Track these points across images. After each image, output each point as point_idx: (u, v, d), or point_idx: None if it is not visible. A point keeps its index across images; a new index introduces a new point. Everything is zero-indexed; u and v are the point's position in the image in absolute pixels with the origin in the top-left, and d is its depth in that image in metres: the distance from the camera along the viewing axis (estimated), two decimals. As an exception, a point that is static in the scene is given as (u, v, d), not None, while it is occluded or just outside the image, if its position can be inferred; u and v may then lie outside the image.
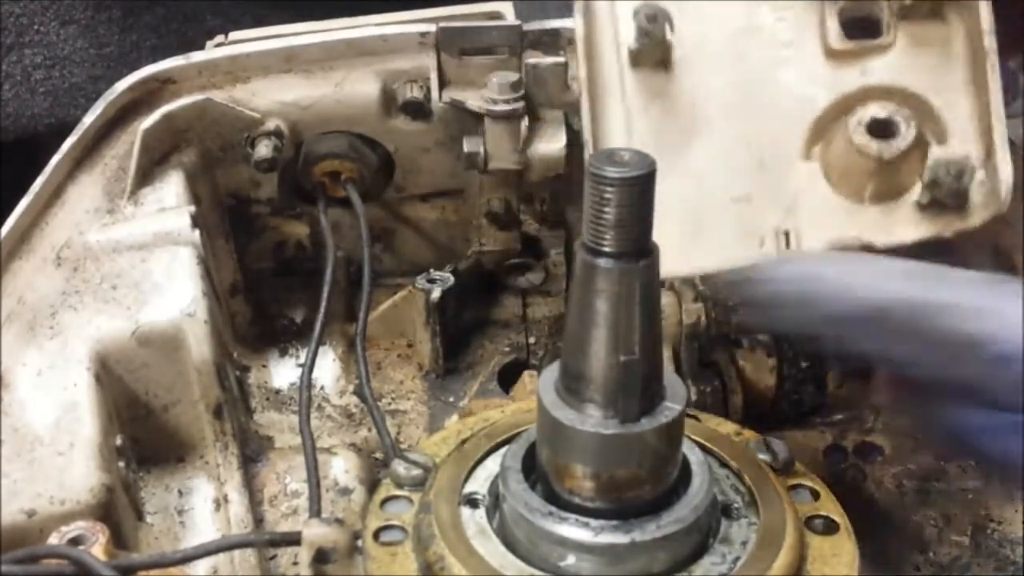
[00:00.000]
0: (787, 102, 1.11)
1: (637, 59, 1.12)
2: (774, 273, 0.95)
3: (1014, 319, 0.87)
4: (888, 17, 1.11)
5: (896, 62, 1.11)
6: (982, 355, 0.88)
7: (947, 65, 1.10)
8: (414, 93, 1.37)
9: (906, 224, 1.08)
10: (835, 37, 1.11)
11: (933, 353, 0.90)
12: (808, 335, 0.97)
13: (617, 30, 1.13)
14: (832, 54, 1.11)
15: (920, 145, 1.08)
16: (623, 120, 1.13)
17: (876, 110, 1.08)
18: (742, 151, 1.11)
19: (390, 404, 1.38)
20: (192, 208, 1.26)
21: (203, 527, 1.11)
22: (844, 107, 1.11)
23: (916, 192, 1.09)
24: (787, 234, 1.09)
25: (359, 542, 0.89)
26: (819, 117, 1.11)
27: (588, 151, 1.13)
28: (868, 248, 1.08)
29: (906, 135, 1.07)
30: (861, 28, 1.11)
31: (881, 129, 1.08)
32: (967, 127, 1.09)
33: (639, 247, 0.80)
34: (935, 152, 1.08)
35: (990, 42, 1.07)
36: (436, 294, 1.37)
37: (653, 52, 1.11)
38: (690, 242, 1.10)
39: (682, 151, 1.12)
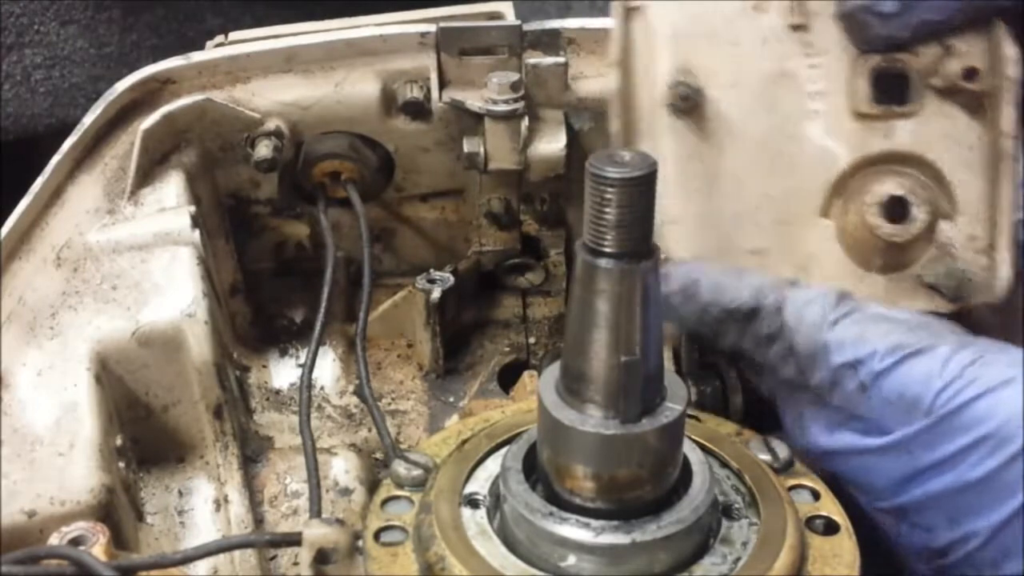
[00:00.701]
0: (811, 157, 1.12)
1: (669, 109, 1.13)
2: (665, 274, 1.04)
3: (865, 337, 0.95)
4: (918, 84, 1.11)
5: (920, 130, 1.11)
6: (828, 363, 0.96)
7: (969, 146, 1.11)
8: (414, 93, 1.37)
9: (909, 296, 1.11)
10: (863, 100, 1.11)
11: (788, 358, 0.99)
12: (689, 330, 1.11)
13: (653, 81, 1.13)
14: (859, 115, 1.12)
15: (930, 227, 1.09)
16: None
17: (892, 187, 1.09)
18: (764, 203, 1.12)
19: (390, 404, 1.38)
20: (192, 208, 1.26)
21: (203, 527, 1.11)
22: (865, 167, 1.11)
23: (920, 264, 1.11)
24: None
25: (360, 542, 0.89)
26: (840, 176, 1.12)
27: None
28: None
29: (918, 219, 1.09)
30: (890, 86, 1.11)
31: (895, 208, 1.09)
32: (978, 209, 1.10)
33: (640, 247, 0.80)
34: (942, 231, 1.10)
35: (1009, 146, 1.09)
36: (436, 294, 1.37)
37: (685, 108, 1.12)
38: None
39: (706, 197, 1.12)
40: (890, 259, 1.10)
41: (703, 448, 0.93)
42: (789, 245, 1.12)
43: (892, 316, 0.98)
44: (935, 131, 1.11)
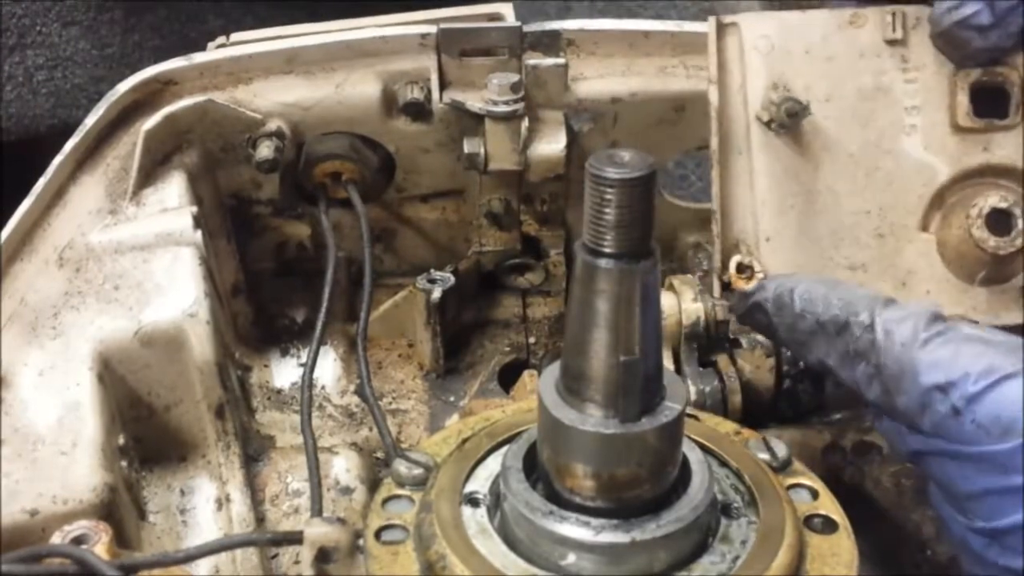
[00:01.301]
0: (909, 171, 1.12)
1: (772, 126, 1.13)
2: (759, 286, 1.06)
3: (958, 359, 0.91)
4: (1018, 98, 1.11)
5: (1020, 143, 1.11)
6: (918, 385, 0.93)
7: None
8: (415, 94, 1.38)
9: (1011, 309, 1.11)
10: (964, 114, 1.11)
11: (875, 378, 0.97)
12: (781, 342, 1.09)
13: (746, 97, 1.13)
14: (959, 128, 1.12)
15: None
16: (747, 177, 1.13)
17: (996, 200, 1.09)
18: (862, 218, 1.12)
19: (391, 404, 1.39)
20: (194, 209, 1.26)
21: (205, 526, 1.11)
22: (964, 181, 1.12)
23: (1022, 278, 1.11)
24: None
25: (361, 541, 0.89)
26: (940, 189, 1.12)
27: (716, 213, 1.13)
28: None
29: (1022, 231, 1.08)
30: (988, 99, 1.11)
31: (999, 220, 1.09)
32: None
33: (639, 248, 0.80)
34: None
35: None
36: (437, 294, 1.38)
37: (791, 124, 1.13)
38: None
39: (802, 213, 1.12)
40: (992, 272, 1.10)
41: (702, 447, 0.93)
42: (888, 260, 1.12)
43: (986, 337, 0.94)
44: None
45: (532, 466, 0.89)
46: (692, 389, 1.23)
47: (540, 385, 0.87)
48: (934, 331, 0.94)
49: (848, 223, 1.12)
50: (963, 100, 1.11)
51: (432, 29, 1.39)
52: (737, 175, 1.13)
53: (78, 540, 0.90)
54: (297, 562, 1.07)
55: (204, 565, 1.04)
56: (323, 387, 1.39)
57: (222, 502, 1.12)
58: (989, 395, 0.89)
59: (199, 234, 1.23)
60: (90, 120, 1.31)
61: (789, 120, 1.10)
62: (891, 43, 1.12)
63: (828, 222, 1.12)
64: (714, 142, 1.13)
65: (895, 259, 1.12)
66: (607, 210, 0.79)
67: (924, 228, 1.12)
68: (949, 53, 1.11)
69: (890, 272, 1.12)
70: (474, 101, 1.36)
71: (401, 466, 0.95)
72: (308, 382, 1.19)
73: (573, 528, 0.84)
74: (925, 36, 1.12)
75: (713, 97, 1.13)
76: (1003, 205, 1.09)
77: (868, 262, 1.12)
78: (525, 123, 1.36)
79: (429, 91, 1.39)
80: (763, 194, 1.12)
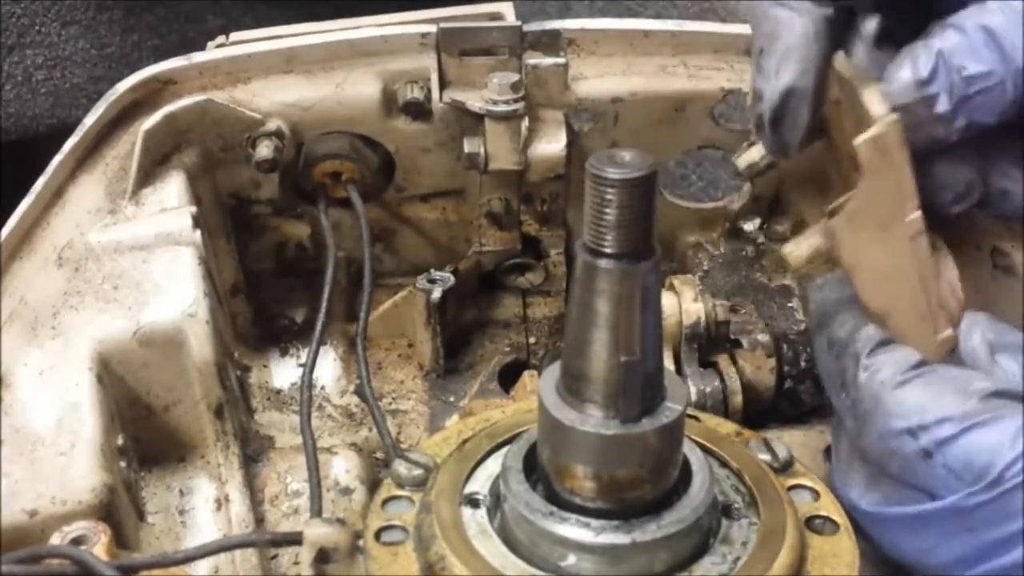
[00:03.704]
0: None
1: None
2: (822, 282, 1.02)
3: (935, 400, 0.88)
4: None
5: None
6: (888, 428, 0.90)
7: None
8: (415, 94, 1.38)
9: None
10: None
11: (851, 411, 0.95)
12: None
13: None
14: None
15: None
16: None
17: None
18: None
19: (391, 404, 1.39)
20: (193, 208, 1.26)
21: (204, 527, 1.11)
22: None
23: None
24: None
25: (360, 542, 0.89)
26: None
27: None
28: None
29: None
30: None
31: None
32: None
33: (640, 248, 0.80)
34: None
35: None
36: (437, 294, 1.37)
37: None
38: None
39: None
40: None
41: (703, 448, 0.93)
42: None
43: (967, 380, 0.90)
44: None
45: (532, 467, 0.89)
46: (693, 389, 1.23)
47: (540, 385, 0.87)
48: (913, 373, 0.91)
49: None
50: None
51: (432, 28, 1.39)
52: None
53: (77, 541, 0.90)
54: (297, 563, 1.06)
55: (203, 566, 1.04)
56: (323, 387, 1.39)
57: (221, 503, 1.12)
58: (961, 440, 0.86)
59: (198, 234, 1.23)
60: (89, 120, 1.31)
61: None
62: None
63: None
64: None
65: None
66: (608, 210, 0.79)
67: None
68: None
69: None
70: (474, 101, 1.36)
71: (401, 467, 0.95)
72: (308, 382, 1.19)
73: (573, 529, 0.84)
74: None
75: None
76: None
77: None
78: (525, 123, 1.36)
79: (429, 91, 1.38)
80: None
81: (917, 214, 0.91)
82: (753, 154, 1.12)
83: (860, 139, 0.89)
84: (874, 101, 0.90)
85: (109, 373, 1.11)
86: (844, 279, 1.00)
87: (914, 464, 0.88)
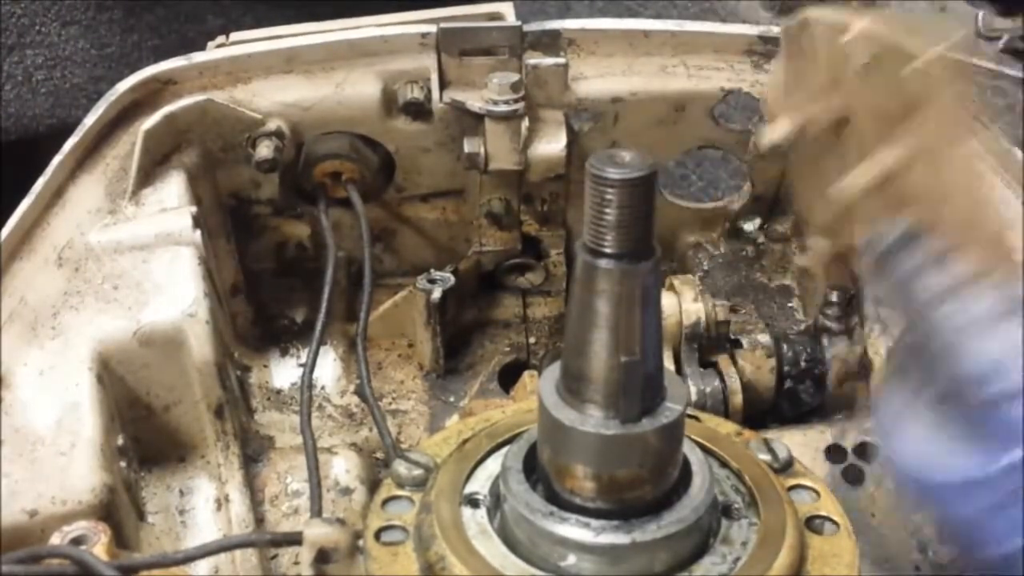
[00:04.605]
0: None
1: None
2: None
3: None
4: None
5: None
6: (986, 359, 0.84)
7: None
8: (415, 94, 1.38)
9: None
10: None
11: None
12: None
13: None
14: None
15: None
16: None
17: None
18: None
19: (391, 404, 1.39)
20: (193, 208, 1.26)
21: (204, 527, 1.11)
22: None
23: None
24: None
25: (360, 542, 0.89)
26: None
27: None
28: None
29: None
30: None
31: None
32: None
33: (640, 248, 0.80)
34: None
35: None
36: (437, 294, 1.38)
37: None
38: None
39: None
40: None
41: (703, 448, 0.93)
42: None
43: None
44: None
45: (532, 467, 0.89)
46: (693, 389, 1.24)
47: (540, 386, 0.87)
48: (1000, 318, 0.84)
49: None
50: None
51: (432, 28, 1.39)
52: None
53: (77, 541, 0.90)
54: (297, 563, 1.06)
55: (203, 566, 1.04)
56: (323, 387, 1.39)
57: (221, 503, 1.12)
58: None
59: (198, 234, 1.23)
60: (89, 120, 1.31)
61: None
62: None
63: None
64: None
65: None
66: (608, 210, 0.79)
67: None
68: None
69: None
70: (474, 101, 1.36)
71: (401, 467, 0.95)
72: (308, 382, 1.19)
73: (573, 529, 0.84)
74: None
75: None
76: None
77: None
78: (525, 123, 1.36)
79: (429, 91, 1.38)
80: None
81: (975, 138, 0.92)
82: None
83: (916, 63, 0.89)
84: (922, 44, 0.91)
85: (109, 373, 1.11)
86: (904, 221, 0.95)
87: (986, 415, 0.83)
